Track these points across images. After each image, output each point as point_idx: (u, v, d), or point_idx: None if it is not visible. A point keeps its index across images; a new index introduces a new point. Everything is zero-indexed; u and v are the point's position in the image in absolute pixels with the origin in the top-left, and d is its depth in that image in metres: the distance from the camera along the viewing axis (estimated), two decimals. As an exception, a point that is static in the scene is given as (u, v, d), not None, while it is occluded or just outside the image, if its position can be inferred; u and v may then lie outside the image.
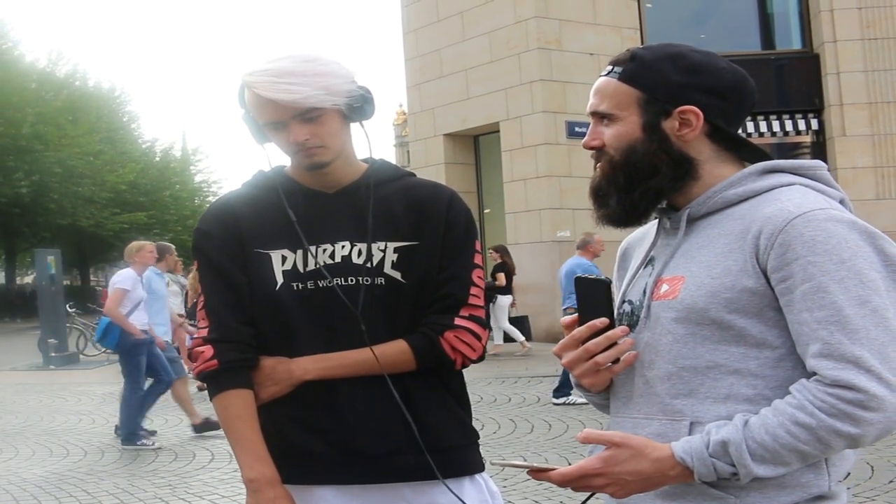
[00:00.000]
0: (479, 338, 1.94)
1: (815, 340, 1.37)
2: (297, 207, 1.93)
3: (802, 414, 1.35)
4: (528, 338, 14.52)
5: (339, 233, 1.93)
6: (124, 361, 8.24)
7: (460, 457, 1.95)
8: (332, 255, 1.91)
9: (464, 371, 1.99)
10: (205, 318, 1.93)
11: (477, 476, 1.97)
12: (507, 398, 9.83)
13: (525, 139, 15.72)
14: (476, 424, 2.05)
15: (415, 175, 2.08)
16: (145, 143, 50.84)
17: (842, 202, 1.51)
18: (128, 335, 7.97)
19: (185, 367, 8.92)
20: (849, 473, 1.51)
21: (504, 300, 13.68)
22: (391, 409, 1.87)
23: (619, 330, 1.53)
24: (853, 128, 15.70)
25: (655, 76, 1.53)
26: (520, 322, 14.54)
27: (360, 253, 1.91)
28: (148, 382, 8.37)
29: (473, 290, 1.95)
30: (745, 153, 1.59)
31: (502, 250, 14.13)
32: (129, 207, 41.92)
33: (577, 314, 1.57)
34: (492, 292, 13.23)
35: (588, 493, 1.55)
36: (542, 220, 15.47)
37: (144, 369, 8.20)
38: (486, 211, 17.52)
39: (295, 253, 1.91)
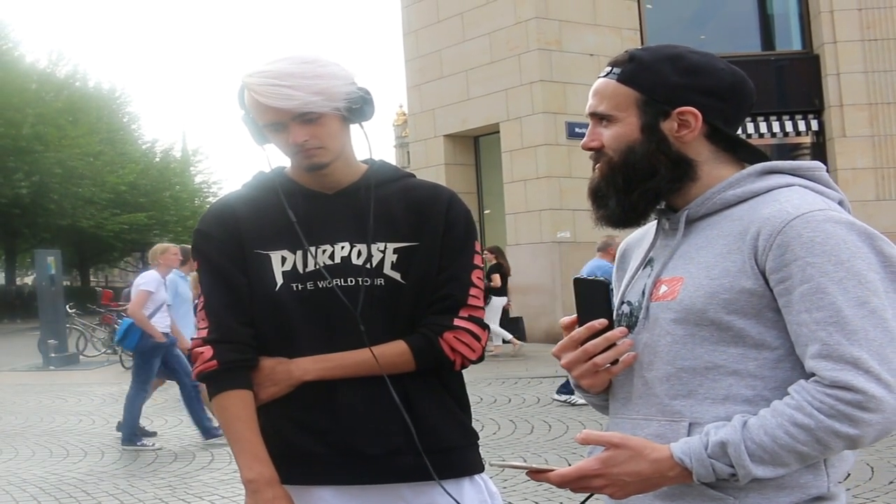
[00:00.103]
0: (478, 338, 1.94)
1: (813, 341, 1.37)
2: (297, 208, 1.93)
3: (801, 415, 1.35)
4: (523, 339, 14.53)
5: (338, 234, 1.93)
6: (138, 362, 8.24)
7: (460, 457, 1.95)
8: (331, 256, 1.92)
9: (463, 372, 1.99)
10: (204, 318, 1.93)
11: (476, 477, 1.97)
12: (507, 399, 9.84)
13: (525, 140, 15.72)
14: (476, 425, 2.05)
15: (414, 176, 2.08)
16: (145, 143, 50.87)
17: (840, 203, 1.51)
18: (148, 337, 7.96)
19: None
20: (849, 474, 1.52)
21: (498, 301, 13.66)
22: (390, 409, 1.87)
23: (618, 331, 1.53)
24: (853, 129, 15.70)
25: (654, 77, 1.53)
26: (514, 323, 14.54)
27: (359, 254, 1.92)
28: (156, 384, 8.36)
29: (473, 291, 1.95)
30: (744, 154, 1.59)
31: (497, 251, 14.12)
32: (129, 208, 41.93)
33: (576, 315, 1.57)
34: (486, 293, 13.21)
35: (587, 494, 1.55)
36: (542, 220, 15.47)
37: (155, 372, 8.22)
38: (486, 212, 17.53)
39: (295, 254, 1.92)
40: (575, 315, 1.57)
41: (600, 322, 1.52)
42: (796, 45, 16.91)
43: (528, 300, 15.44)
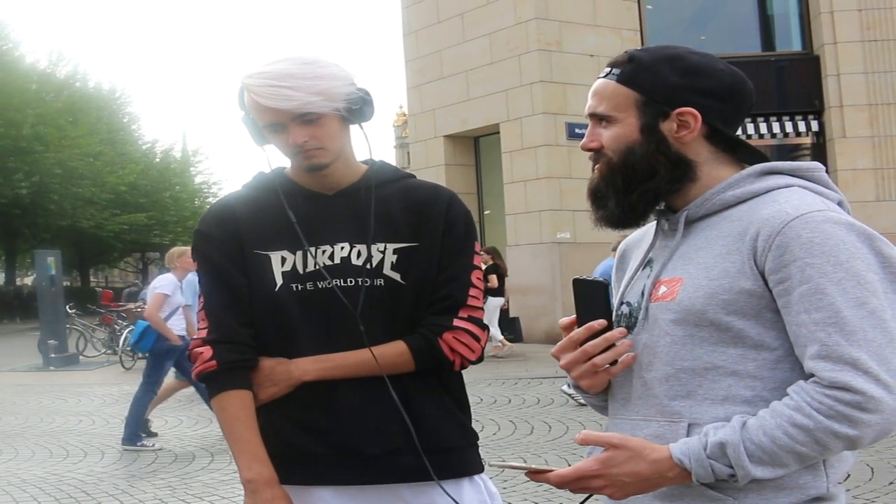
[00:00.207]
0: (477, 339, 1.94)
1: (812, 342, 1.37)
2: (297, 209, 1.93)
3: (800, 415, 1.35)
4: (520, 339, 14.55)
5: (338, 234, 1.93)
6: (151, 363, 8.25)
7: (459, 458, 1.95)
8: (331, 257, 1.92)
9: (463, 372, 1.99)
10: (204, 318, 1.94)
11: (476, 477, 1.97)
12: (507, 399, 9.83)
13: (525, 140, 15.73)
14: (476, 426, 2.05)
15: (414, 176, 2.09)
16: (145, 144, 50.91)
17: (840, 204, 1.51)
18: (164, 340, 7.98)
19: None
20: (848, 475, 1.52)
21: (495, 302, 13.67)
22: (390, 409, 1.87)
23: (617, 331, 1.53)
24: (853, 129, 15.71)
25: (653, 78, 1.53)
26: (511, 324, 14.54)
27: (359, 254, 1.92)
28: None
29: (472, 292, 1.95)
30: (744, 155, 1.59)
31: (493, 252, 14.12)
32: (129, 208, 41.95)
33: (575, 316, 1.57)
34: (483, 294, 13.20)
35: (586, 495, 1.55)
36: (542, 221, 15.48)
37: (165, 374, 8.25)
38: (486, 212, 17.53)
39: (294, 254, 1.92)
40: (574, 316, 1.57)
41: (599, 323, 1.52)
42: (796, 46, 16.92)
43: (528, 301, 15.45)
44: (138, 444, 7.95)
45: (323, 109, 1.83)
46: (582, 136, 1.61)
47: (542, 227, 15.48)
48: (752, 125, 15.80)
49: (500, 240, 16.15)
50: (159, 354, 8.09)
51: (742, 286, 1.43)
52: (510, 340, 14.29)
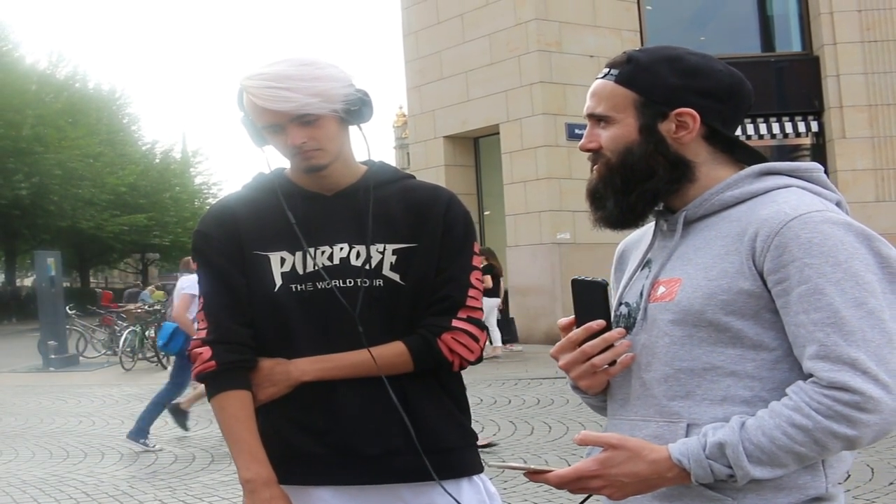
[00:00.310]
0: (476, 339, 1.94)
1: (811, 342, 1.37)
2: (296, 210, 1.94)
3: (799, 416, 1.35)
4: (515, 340, 14.56)
5: (337, 235, 1.93)
6: (178, 364, 8.25)
7: (459, 458, 1.95)
8: (330, 257, 1.92)
9: (463, 373, 2.00)
10: (203, 319, 1.94)
11: (475, 477, 1.97)
12: (507, 400, 9.83)
13: (525, 141, 15.73)
14: (476, 426, 2.05)
15: (414, 177, 2.09)
16: (145, 145, 50.95)
17: (838, 204, 1.51)
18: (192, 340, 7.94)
19: None
20: (848, 475, 1.52)
21: (490, 303, 13.66)
22: (389, 410, 1.87)
23: (616, 332, 1.53)
24: (853, 130, 15.71)
25: (652, 78, 1.53)
26: (507, 325, 14.54)
27: (358, 255, 1.92)
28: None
29: (471, 292, 1.95)
30: (742, 155, 1.59)
31: (488, 253, 14.10)
32: (129, 209, 41.97)
33: (574, 316, 1.57)
34: None
35: (585, 495, 1.55)
36: (541, 222, 15.47)
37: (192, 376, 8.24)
38: (486, 213, 17.53)
39: (294, 255, 1.92)
40: (573, 316, 1.57)
41: (598, 323, 1.52)
42: (796, 47, 16.92)
43: (528, 301, 15.45)
44: (140, 440, 7.92)
45: (321, 111, 1.84)
46: (582, 136, 1.61)
47: (541, 227, 15.48)
48: (751, 126, 15.80)
49: (499, 240, 16.15)
50: (188, 356, 8.05)
51: (741, 286, 1.43)
52: (505, 342, 14.31)
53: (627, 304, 1.62)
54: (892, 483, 5.75)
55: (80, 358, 17.56)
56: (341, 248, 1.92)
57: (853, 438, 1.35)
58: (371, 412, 1.89)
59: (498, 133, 16.28)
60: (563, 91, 15.40)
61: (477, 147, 17.64)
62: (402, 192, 1.99)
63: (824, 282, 1.37)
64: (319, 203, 1.95)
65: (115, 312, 19.86)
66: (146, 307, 19.43)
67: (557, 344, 1.58)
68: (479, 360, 1.96)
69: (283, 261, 1.92)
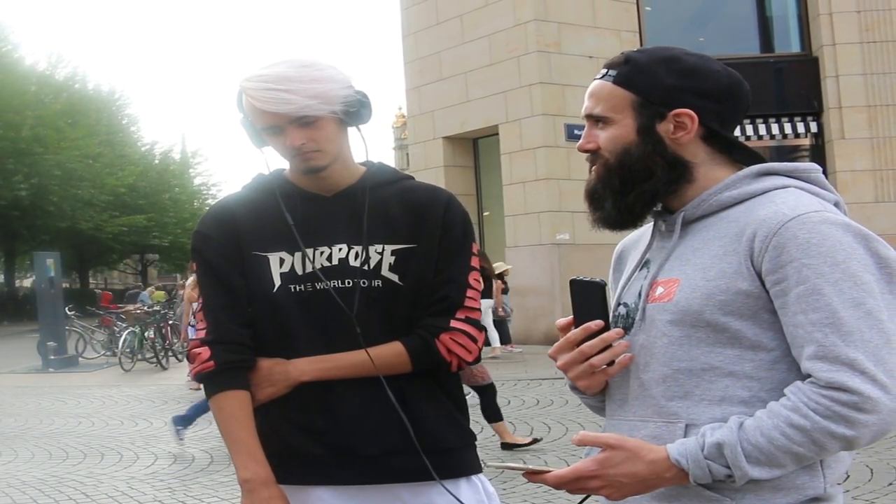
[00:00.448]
0: (474, 340, 1.94)
1: (809, 342, 1.37)
2: (295, 211, 1.94)
3: (797, 416, 1.35)
4: (508, 341, 14.58)
5: (336, 235, 1.93)
6: None
7: (457, 458, 1.96)
8: (328, 258, 1.92)
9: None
10: (203, 319, 1.94)
11: (474, 477, 1.98)
12: (506, 401, 9.82)
13: (524, 142, 15.73)
14: (475, 427, 2.06)
15: (413, 178, 2.09)
16: (144, 145, 50.96)
17: (836, 205, 1.51)
18: None
19: None
20: (847, 476, 1.52)
21: (484, 304, 13.66)
22: (387, 410, 1.87)
23: (614, 332, 1.53)
24: (852, 131, 15.72)
25: (650, 79, 1.53)
26: (500, 325, 14.55)
27: (357, 255, 1.92)
28: None
29: (469, 293, 1.95)
30: (740, 156, 1.59)
31: (480, 255, 14.09)
32: (129, 210, 41.99)
33: (572, 316, 1.57)
34: None
35: (584, 496, 1.55)
36: (541, 222, 15.48)
37: None
38: (485, 214, 17.54)
39: (293, 255, 1.92)
40: (571, 316, 1.57)
41: (596, 323, 1.53)
42: (795, 48, 16.93)
43: (527, 302, 15.45)
44: (178, 428, 7.82)
45: (320, 112, 1.84)
46: (581, 137, 1.61)
47: (541, 228, 15.49)
48: (750, 126, 15.81)
49: (499, 241, 16.16)
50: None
51: (739, 287, 1.43)
52: (503, 342, 14.33)
53: (626, 305, 1.62)
54: (891, 483, 5.75)
55: (80, 359, 17.55)
56: (340, 249, 1.93)
57: (851, 439, 1.35)
58: (370, 412, 1.89)
59: (497, 134, 16.29)
60: (562, 92, 15.41)
61: (476, 148, 17.65)
62: (401, 192, 1.99)
63: (822, 282, 1.37)
64: (318, 204, 1.96)
65: (114, 313, 19.85)
66: (145, 308, 19.43)
67: (556, 344, 1.58)
68: (478, 360, 1.97)
69: (281, 261, 1.92)
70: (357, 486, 1.90)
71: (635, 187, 1.54)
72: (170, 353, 16.44)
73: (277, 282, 1.91)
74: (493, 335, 13.79)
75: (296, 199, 1.96)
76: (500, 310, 14.53)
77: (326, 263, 1.92)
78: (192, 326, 10.23)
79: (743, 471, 1.38)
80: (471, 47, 16.50)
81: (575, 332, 1.54)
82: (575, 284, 1.57)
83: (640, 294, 1.57)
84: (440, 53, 17.13)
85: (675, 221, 1.56)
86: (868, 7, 15.73)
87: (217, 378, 1.90)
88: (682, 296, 1.48)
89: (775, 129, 16.05)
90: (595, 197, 1.59)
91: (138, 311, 18.77)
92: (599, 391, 1.64)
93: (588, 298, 1.55)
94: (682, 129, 1.53)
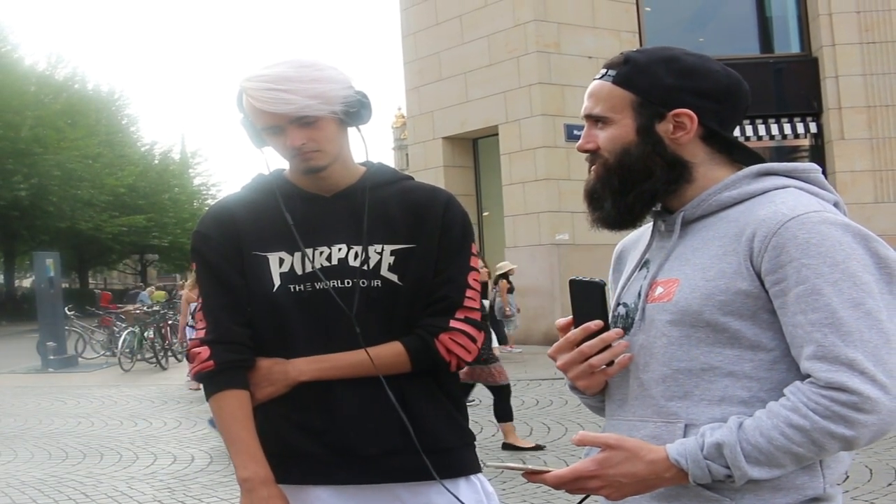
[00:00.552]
0: (474, 340, 1.94)
1: (809, 343, 1.37)
2: (295, 211, 1.94)
3: (796, 416, 1.35)
4: (504, 341, 14.58)
5: (336, 236, 1.94)
6: None
7: (456, 458, 1.96)
8: (328, 258, 1.92)
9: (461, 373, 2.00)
10: (202, 319, 1.94)
11: (473, 477, 1.98)
12: (505, 401, 9.82)
13: (524, 142, 15.74)
14: (475, 427, 2.06)
15: (413, 178, 2.09)
16: (144, 146, 50.95)
17: (836, 205, 1.51)
18: None
19: None
20: (847, 476, 1.52)
21: None
22: (387, 410, 1.88)
23: (614, 332, 1.53)
24: (852, 131, 15.73)
25: (649, 79, 1.53)
26: (496, 326, 14.56)
27: (356, 255, 1.92)
28: None
29: (469, 293, 1.96)
30: (740, 156, 1.59)
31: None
32: (128, 210, 41.98)
33: (571, 316, 1.57)
34: None
35: (583, 496, 1.55)
36: (540, 223, 15.48)
37: None
38: (484, 214, 17.54)
39: (292, 255, 1.92)
40: (571, 316, 1.58)
41: (596, 323, 1.53)
42: (795, 48, 16.94)
43: (527, 302, 15.45)
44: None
45: (320, 112, 1.84)
46: (580, 137, 1.61)
47: (540, 228, 15.49)
48: (750, 127, 15.82)
49: (498, 241, 16.16)
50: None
51: (738, 287, 1.43)
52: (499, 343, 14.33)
53: (625, 305, 1.62)
54: (890, 484, 5.75)
55: (79, 359, 17.55)
56: (339, 249, 1.93)
57: (851, 439, 1.35)
58: (369, 412, 1.89)
59: (497, 134, 16.29)
60: (561, 92, 15.42)
61: (476, 148, 17.65)
62: (400, 193, 2.00)
63: (822, 282, 1.37)
64: (318, 204, 1.96)
65: (113, 313, 19.86)
66: (145, 308, 19.43)
67: (555, 344, 1.58)
68: (477, 360, 1.97)
69: (281, 261, 1.93)
70: (356, 485, 1.90)
71: (635, 187, 1.54)
72: (169, 354, 16.45)
73: (277, 282, 1.92)
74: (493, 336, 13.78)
75: (295, 200, 1.96)
76: (507, 309, 14.54)
77: (326, 263, 1.92)
78: (190, 327, 10.25)
79: (742, 471, 1.38)
80: (470, 48, 16.51)
81: (574, 333, 1.54)
82: (574, 284, 1.57)
83: (639, 294, 1.57)
84: (440, 54, 17.13)
85: (675, 221, 1.56)
86: (868, 7, 15.74)
87: (216, 378, 1.90)
88: (682, 296, 1.48)
89: (775, 129, 16.06)
90: (594, 197, 1.59)
91: (138, 312, 18.78)
92: (599, 391, 1.64)
93: (587, 298, 1.55)
94: (682, 129, 1.53)
